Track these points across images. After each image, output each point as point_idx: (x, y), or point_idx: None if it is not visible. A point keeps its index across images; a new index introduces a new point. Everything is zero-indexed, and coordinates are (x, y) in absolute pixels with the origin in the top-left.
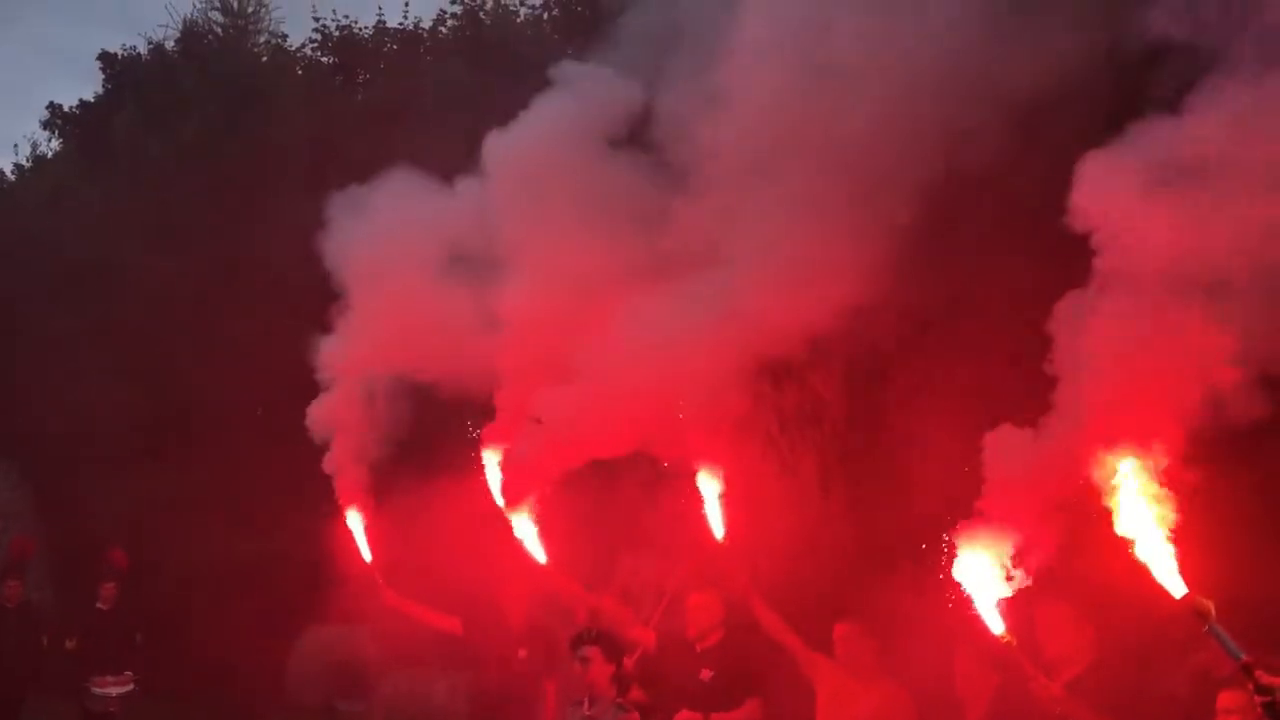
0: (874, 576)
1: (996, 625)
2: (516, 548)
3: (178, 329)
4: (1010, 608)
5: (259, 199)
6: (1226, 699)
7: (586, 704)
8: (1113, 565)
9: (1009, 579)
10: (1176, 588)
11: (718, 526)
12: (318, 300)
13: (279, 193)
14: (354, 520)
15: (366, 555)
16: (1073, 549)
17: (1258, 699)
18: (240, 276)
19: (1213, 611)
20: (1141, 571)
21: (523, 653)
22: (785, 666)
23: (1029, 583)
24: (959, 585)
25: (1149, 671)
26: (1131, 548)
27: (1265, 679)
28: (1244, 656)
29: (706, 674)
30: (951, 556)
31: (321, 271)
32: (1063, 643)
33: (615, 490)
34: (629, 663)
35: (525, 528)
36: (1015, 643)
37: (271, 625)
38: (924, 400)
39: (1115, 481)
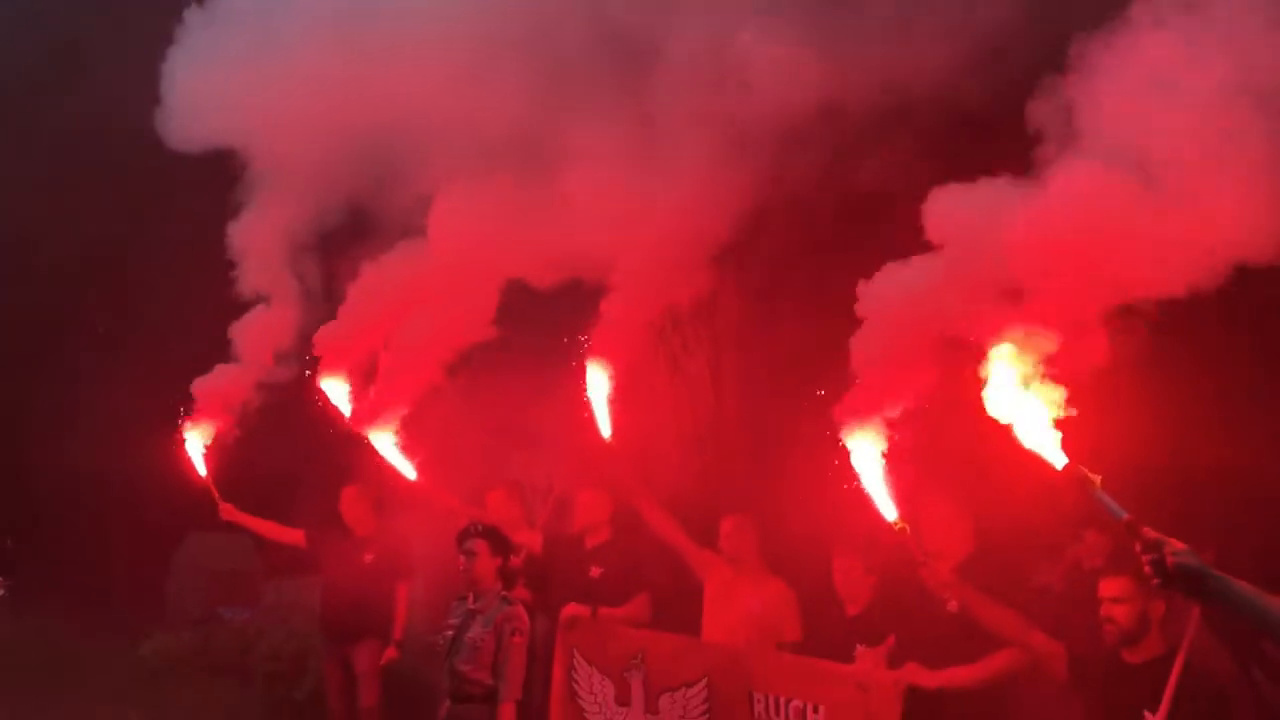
0: (763, 474)
1: (889, 512)
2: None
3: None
4: (895, 499)
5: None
6: (1109, 586)
7: (471, 598)
8: (985, 454)
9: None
10: (1058, 460)
11: (605, 425)
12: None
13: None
14: (191, 436)
15: (201, 470)
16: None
17: (1144, 556)
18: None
19: (1097, 480)
20: (1022, 455)
21: (368, 557)
22: (673, 563)
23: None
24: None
25: (1024, 566)
26: (1010, 429)
27: (1150, 534)
28: (1126, 515)
29: (595, 571)
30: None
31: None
32: (942, 534)
33: (506, 388)
34: (516, 561)
35: (386, 445)
36: (908, 529)
37: (150, 535)
38: (817, 296)
39: (994, 364)
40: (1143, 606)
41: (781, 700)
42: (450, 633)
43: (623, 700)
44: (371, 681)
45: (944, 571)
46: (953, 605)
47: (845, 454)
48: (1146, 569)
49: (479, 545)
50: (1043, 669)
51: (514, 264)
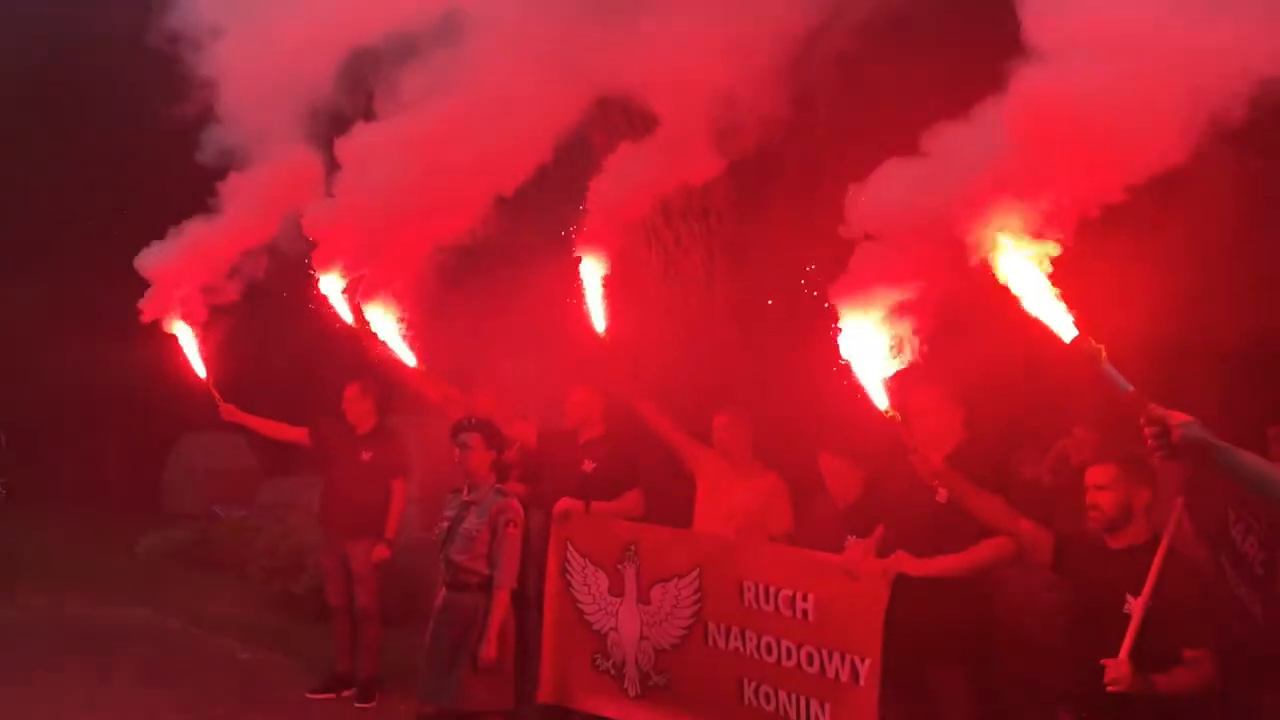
0: (756, 369)
1: (880, 401)
2: (377, 353)
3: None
4: (887, 389)
5: None
6: (1095, 474)
7: (466, 490)
8: (978, 346)
9: (894, 350)
10: (1066, 332)
11: (599, 321)
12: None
13: None
14: (184, 334)
15: (200, 370)
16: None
17: (1148, 429)
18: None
19: (1103, 352)
20: (1016, 348)
21: (366, 455)
22: (666, 458)
23: (911, 353)
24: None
25: (1012, 459)
26: (1017, 303)
27: (1155, 409)
28: (1131, 388)
29: (588, 465)
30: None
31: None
32: (933, 424)
33: (495, 289)
34: (510, 454)
35: (388, 334)
36: (899, 417)
37: (145, 435)
38: (813, 190)
39: (1003, 238)
40: (1127, 494)
41: (771, 590)
42: (445, 524)
43: (616, 591)
44: (368, 580)
45: (934, 460)
46: (941, 495)
47: (838, 346)
48: (1150, 442)
49: (473, 438)
50: (1029, 556)
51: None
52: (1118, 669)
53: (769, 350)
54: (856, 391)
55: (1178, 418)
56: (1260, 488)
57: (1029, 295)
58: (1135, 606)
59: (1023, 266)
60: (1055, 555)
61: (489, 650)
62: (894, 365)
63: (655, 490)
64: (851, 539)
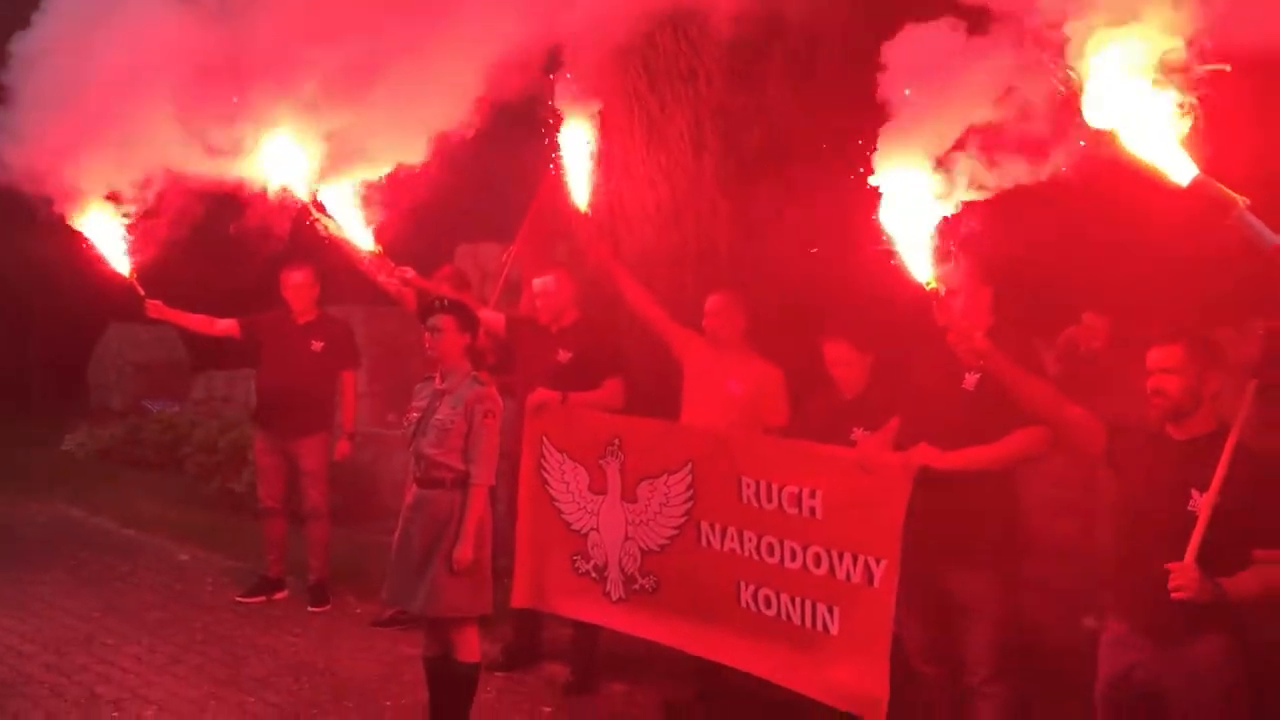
0: (749, 248)
1: (922, 271)
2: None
3: None
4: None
5: None
6: (1160, 356)
7: (438, 378)
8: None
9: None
10: (1184, 172)
11: (580, 193)
12: None
13: None
14: (98, 228)
15: (120, 265)
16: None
17: None
18: None
19: (1242, 200)
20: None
21: (316, 345)
22: (650, 344)
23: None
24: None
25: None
26: (1110, 142)
27: None
28: (1278, 241)
29: (563, 355)
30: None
31: None
32: (965, 303)
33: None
34: (485, 340)
35: (341, 216)
36: (941, 290)
37: (70, 325)
38: (813, 51)
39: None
40: (1196, 377)
41: (774, 486)
42: (416, 415)
43: (598, 489)
44: (319, 478)
45: (980, 338)
46: (969, 382)
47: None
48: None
49: (445, 321)
50: (1078, 447)
51: None
52: (1185, 574)
53: (765, 227)
54: (866, 270)
55: None
56: None
57: (1137, 129)
58: (1203, 504)
59: (1126, 87)
60: (1108, 445)
61: (465, 551)
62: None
63: (638, 379)
64: (859, 432)
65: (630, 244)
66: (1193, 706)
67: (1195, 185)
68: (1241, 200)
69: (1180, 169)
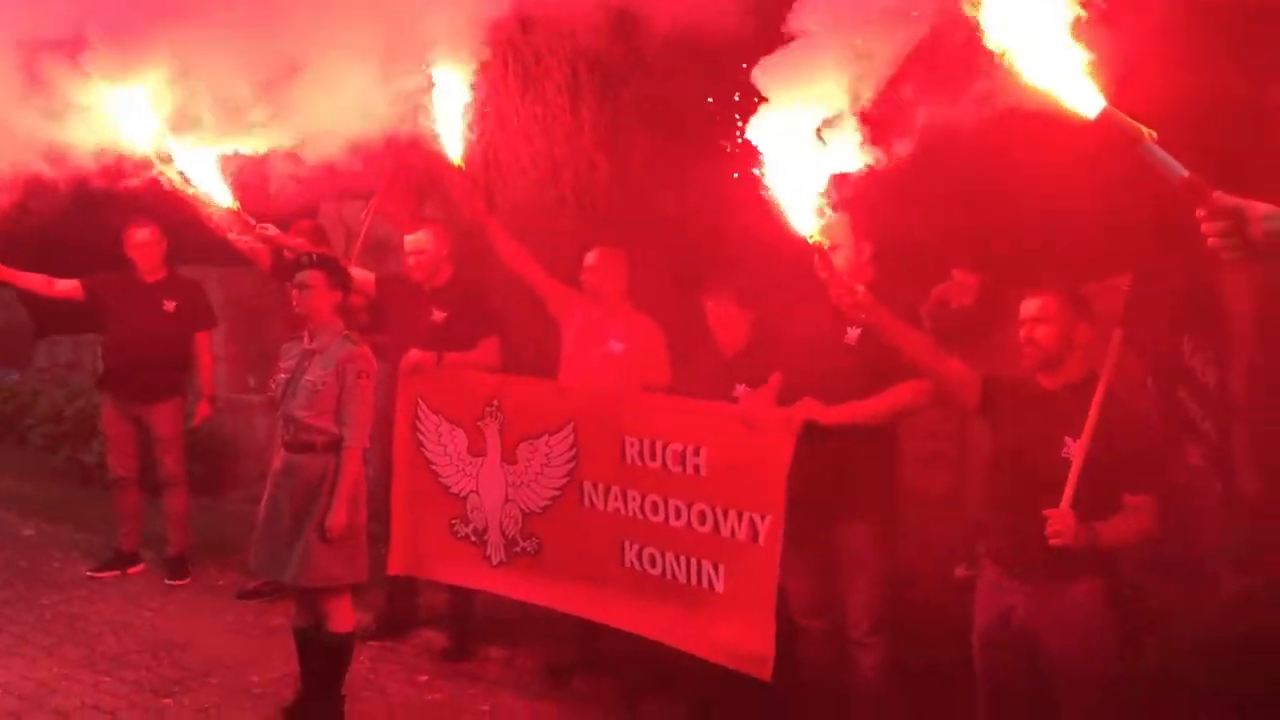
0: (628, 203)
1: (805, 224)
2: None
3: None
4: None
5: None
6: (1032, 305)
7: (307, 337)
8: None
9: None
10: (1091, 104)
11: (452, 145)
12: None
13: None
14: None
15: None
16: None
17: (1213, 225)
18: None
19: (1147, 131)
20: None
21: (169, 305)
22: (527, 302)
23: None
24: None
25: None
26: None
27: (1225, 198)
28: (1186, 173)
29: (438, 314)
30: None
31: None
32: (845, 257)
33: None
34: (357, 298)
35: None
36: (825, 244)
37: None
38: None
39: None
40: (1067, 326)
41: (658, 444)
42: (284, 376)
43: (476, 451)
44: (174, 446)
45: (863, 292)
46: (851, 336)
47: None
48: (1215, 241)
49: (314, 276)
50: (953, 398)
51: None
52: (1061, 519)
53: (644, 181)
54: (747, 225)
55: (1259, 209)
56: None
57: (1036, 54)
58: (1076, 450)
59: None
60: (982, 396)
61: (339, 517)
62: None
63: (515, 339)
64: (742, 389)
65: (505, 198)
66: (1066, 647)
67: (1102, 117)
68: (1148, 133)
69: (1086, 101)
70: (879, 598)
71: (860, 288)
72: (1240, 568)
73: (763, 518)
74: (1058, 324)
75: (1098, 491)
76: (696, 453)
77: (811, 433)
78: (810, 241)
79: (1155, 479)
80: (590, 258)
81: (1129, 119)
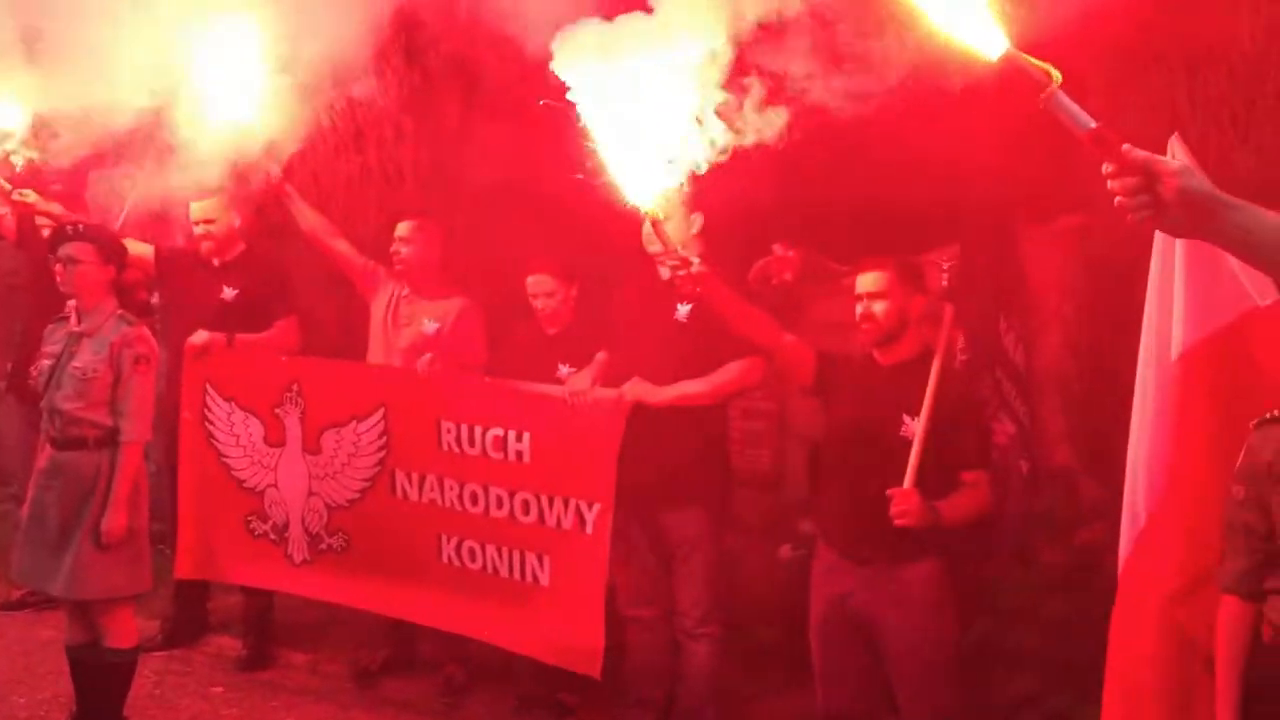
0: (441, 172)
1: (642, 198)
2: None
3: None
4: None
5: None
6: (867, 281)
7: (75, 318)
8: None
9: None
10: (993, 44)
11: (240, 105)
12: None
13: None
14: None
15: None
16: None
17: (1122, 180)
18: None
19: (1055, 77)
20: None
21: None
22: (328, 278)
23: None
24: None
25: None
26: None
27: (1135, 153)
28: (1095, 125)
29: (229, 292)
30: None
31: None
32: (677, 230)
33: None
34: (133, 274)
35: None
36: (660, 218)
37: None
38: None
39: None
40: (903, 301)
41: (478, 429)
42: (48, 363)
43: (275, 440)
44: None
45: (699, 264)
46: (681, 313)
47: (550, 141)
48: (1125, 198)
49: (82, 249)
50: (788, 376)
51: None
52: (907, 499)
53: (457, 148)
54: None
55: (1172, 165)
56: None
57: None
58: (918, 428)
59: None
60: (817, 375)
61: (117, 520)
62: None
63: (315, 319)
64: (566, 369)
65: (304, 167)
66: (906, 628)
67: (1005, 60)
68: (1055, 76)
69: (989, 42)
70: (711, 585)
71: (695, 260)
72: (1053, 541)
73: (591, 506)
74: (894, 298)
75: (936, 469)
76: (520, 438)
77: (641, 414)
78: (642, 213)
79: (988, 455)
80: (401, 230)
81: (1035, 62)
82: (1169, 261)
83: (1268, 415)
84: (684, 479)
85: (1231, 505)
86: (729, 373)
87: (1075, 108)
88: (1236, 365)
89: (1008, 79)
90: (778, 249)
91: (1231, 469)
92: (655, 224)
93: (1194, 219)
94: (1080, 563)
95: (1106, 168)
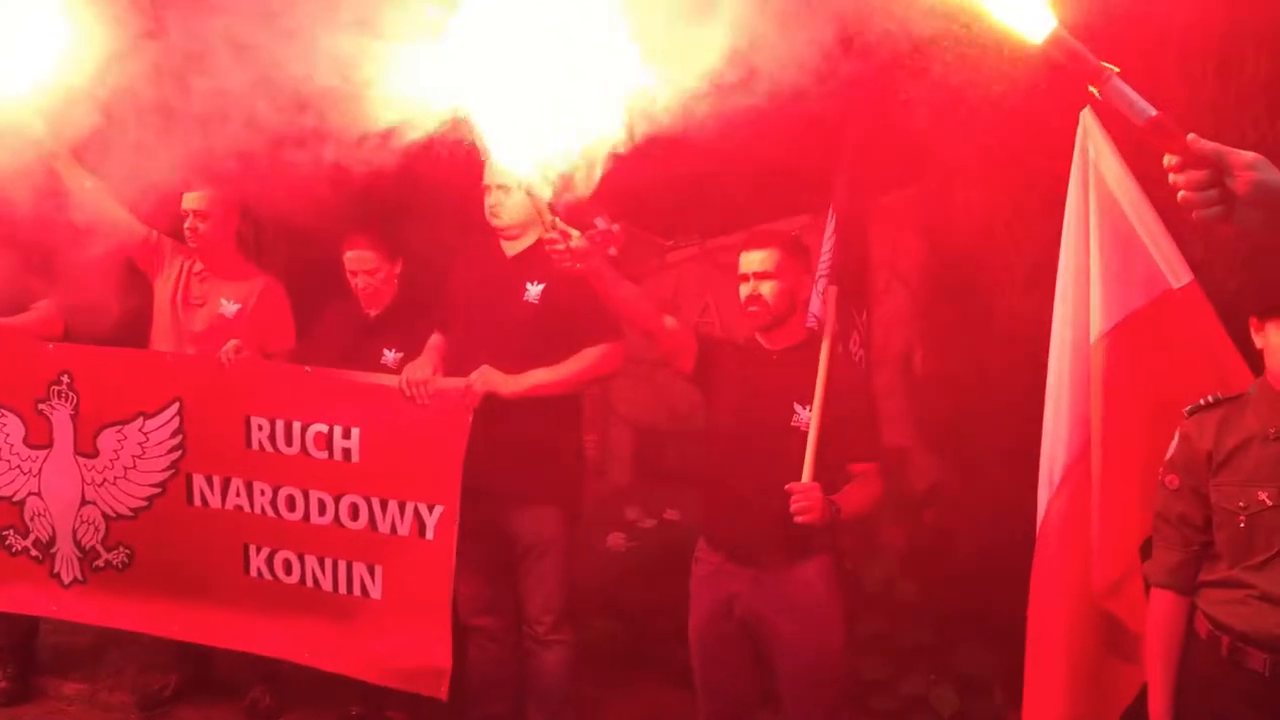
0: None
1: (517, 166)
2: None
3: None
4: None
5: None
6: (755, 260)
7: None
8: None
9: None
10: (1039, 25)
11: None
12: None
13: None
14: None
15: None
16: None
17: (1188, 174)
18: None
19: (1113, 69)
20: None
21: None
22: (103, 254)
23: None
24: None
25: None
26: None
27: (1202, 144)
28: (1155, 113)
29: None
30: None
31: None
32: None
33: None
34: None
35: None
36: (537, 191)
37: None
38: None
39: None
40: (793, 281)
41: (296, 426)
42: None
43: (37, 441)
44: None
45: (581, 238)
46: (532, 293)
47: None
48: (1190, 193)
49: None
50: (670, 360)
51: None
52: (809, 495)
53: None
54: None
55: (1244, 156)
56: None
57: None
58: (812, 418)
59: None
60: (697, 361)
61: None
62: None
63: (85, 299)
64: (392, 355)
65: (72, 123)
66: (798, 630)
67: (1055, 45)
68: (1112, 69)
69: (1036, 25)
70: (564, 588)
71: (575, 233)
72: (899, 523)
73: (432, 509)
74: (784, 279)
75: (828, 461)
76: (347, 434)
77: (488, 405)
78: (524, 189)
79: (879, 445)
80: (190, 201)
81: (1087, 52)
82: (1083, 242)
83: (1201, 401)
84: (536, 475)
85: (1165, 495)
86: (587, 359)
87: (1134, 95)
88: (1156, 348)
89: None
90: (600, 222)
91: (1157, 455)
92: (532, 194)
93: (1268, 215)
94: (927, 545)
95: (1169, 160)
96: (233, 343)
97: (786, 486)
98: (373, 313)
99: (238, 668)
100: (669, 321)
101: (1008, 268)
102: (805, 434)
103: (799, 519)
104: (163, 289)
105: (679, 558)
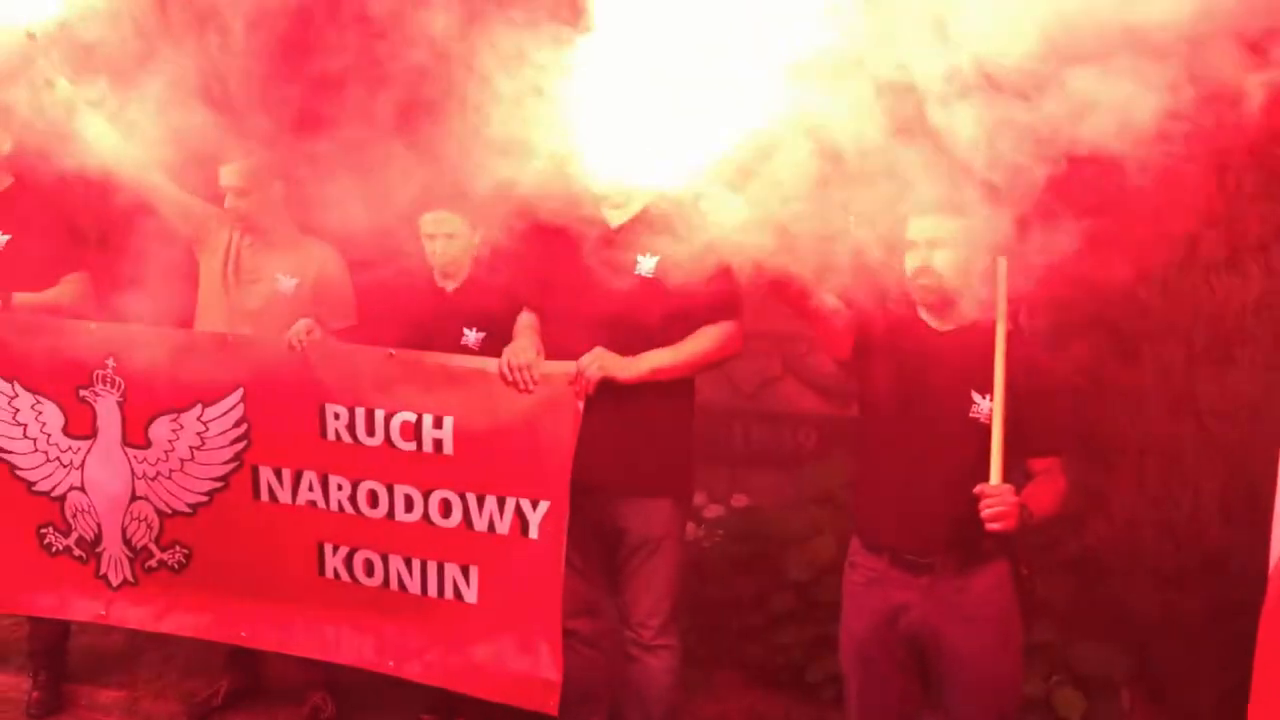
0: (294, 96)
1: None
2: None
3: None
4: None
5: None
6: (928, 226)
7: None
8: None
9: None
10: None
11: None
12: None
13: None
14: None
15: None
16: None
17: None
18: None
19: None
20: None
21: None
22: (132, 216)
23: None
24: None
25: None
26: None
27: None
28: None
29: None
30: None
31: None
32: None
33: None
34: None
35: None
36: None
37: None
38: None
39: None
40: (970, 254)
41: (380, 415)
42: None
43: (79, 431)
44: None
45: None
46: (645, 265)
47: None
48: None
49: None
50: (826, 344)
51: None
52: (1003, 498)
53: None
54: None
55: None
56: None
57: None
58: (995, 409)
59: None
60: (855, 343)
61: None
62: None
63: (119, 269)
64: (474, 335)
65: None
66: (975, 646)
67: None
68: None
69: None
70: (673, 589)
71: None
72: None
73: (535, 505)
74: (960, 249)
75: (1010, 458)
76: (438, 424)
77: (600, 390)
78: None
79: (1067, 436)
80: (229, 172)
81: None
82: None
83: None
84: (648, 465)
85: None
86: (708, 338)
87: None
88: None
89: None
90: None
91: None
92: None
93: None
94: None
95: None
96: (303, 322)
97: (976, 489)
98: (450, 286)
99: (289, 673)
100: (827, 300)
101: None
102: (985, 426)
103: (992, 526)
104: (209, 263)
105: (755, 548)
